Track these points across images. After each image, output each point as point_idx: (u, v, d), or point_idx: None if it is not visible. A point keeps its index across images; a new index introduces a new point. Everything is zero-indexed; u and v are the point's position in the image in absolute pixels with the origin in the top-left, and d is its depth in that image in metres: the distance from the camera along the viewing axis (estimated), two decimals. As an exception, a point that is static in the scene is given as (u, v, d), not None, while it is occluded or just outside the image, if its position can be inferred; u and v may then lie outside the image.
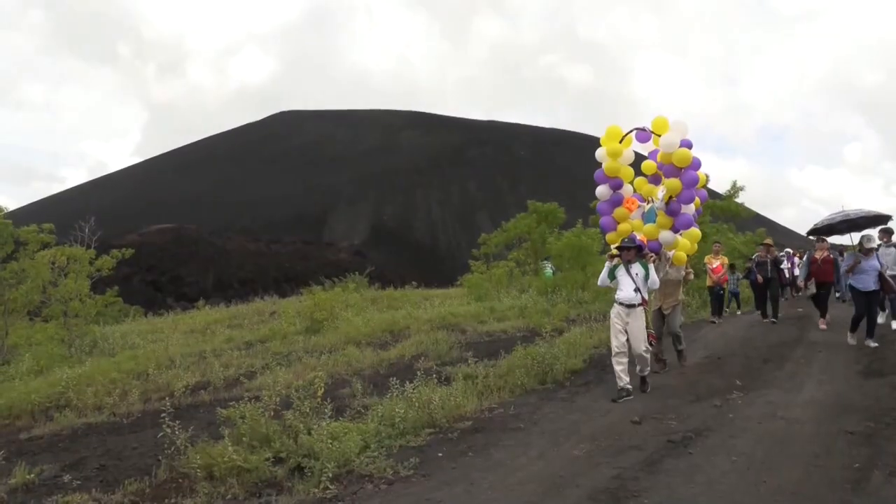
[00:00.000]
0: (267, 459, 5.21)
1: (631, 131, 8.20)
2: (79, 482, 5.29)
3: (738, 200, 24.42)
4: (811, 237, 13.06)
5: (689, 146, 7.68)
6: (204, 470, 5.06)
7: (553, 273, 20.98)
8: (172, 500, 4.71)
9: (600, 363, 9.53)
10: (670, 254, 8.31)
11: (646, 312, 7.56)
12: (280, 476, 5.07)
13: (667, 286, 8.61)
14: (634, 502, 4.42)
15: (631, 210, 8.29)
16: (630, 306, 7.41)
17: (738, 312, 16.53)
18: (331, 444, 5.29)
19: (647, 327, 7.53)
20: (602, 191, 8.44)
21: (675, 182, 7.64)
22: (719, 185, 26.27)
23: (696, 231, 8.41)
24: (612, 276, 7.62)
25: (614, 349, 7.35)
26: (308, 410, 5.91)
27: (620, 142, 8.19)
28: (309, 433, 5.54)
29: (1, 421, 7.80)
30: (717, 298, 14.33)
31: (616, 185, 8.33)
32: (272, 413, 5.90)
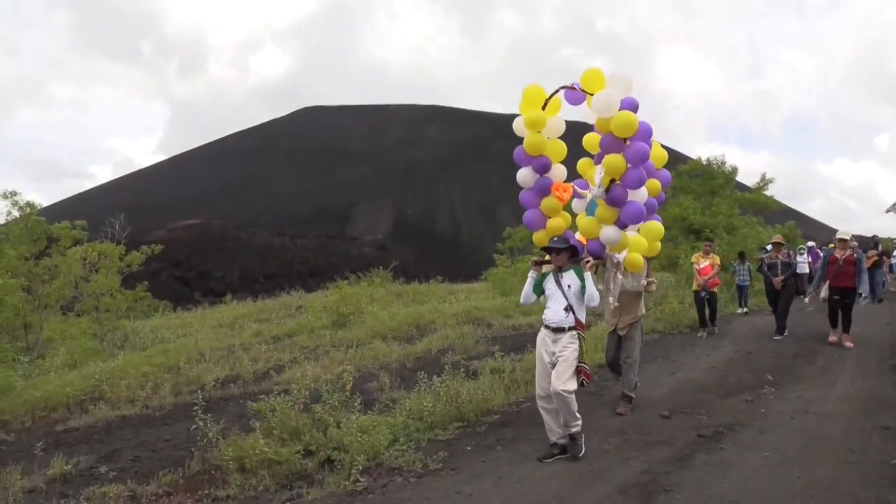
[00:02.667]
0: (297, 452, 5.26)
1: (556, 91, 5.96)
2: (114, 473, 5.40)
3: (767, 193, 24.00)
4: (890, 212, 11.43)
5: (634, 108, 5.64)
6: (236, 462, 5.13)
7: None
8: (205, 492, 4.78)
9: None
10: (619, 257, 6.06)
11: (581, 339, 5.40)
12: (310, 468, 5.13)
13: (622, 300, 6.53)
14: (665, 497, 4.38)
15: (563, 199, 6.08)
16: (558, 330, 5.42)
17: (743, 311, 14.60)
18: (360, 437, 5.32)
19: (581, 359, 5.33)
20: (524, 175, 6.13)
21: (615, 159, 5.54)
22: (747, 178, 25.87)
23: (655, 226, 6.30)
24: (538, 289, 5.65)
25: (538, 390, 5.53)
26: (337, 404, 5.95)
27: (544, 107, 5.96)
28: (338, 426, 5.58)
29: (38, 413, 7.98)
30: (703, 305, 11.51)
31: (542, 167, 6.04)
32: (301, 406, 5.95)
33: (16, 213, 14.90)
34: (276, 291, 25.11)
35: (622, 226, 5.76)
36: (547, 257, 5.73)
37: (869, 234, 16.05)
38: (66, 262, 14.82)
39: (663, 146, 6.59)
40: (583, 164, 6.66)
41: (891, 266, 16.53)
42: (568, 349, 5.37)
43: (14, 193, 14.99)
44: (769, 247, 11.97)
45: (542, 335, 5.59)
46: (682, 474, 4.79)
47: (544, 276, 5.67)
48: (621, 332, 6.74)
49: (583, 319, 5.49)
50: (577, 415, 5.36)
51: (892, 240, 21.30)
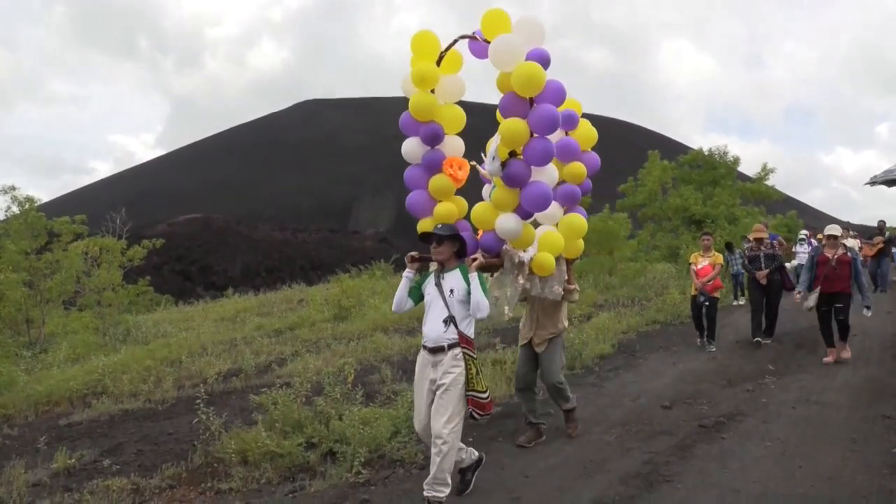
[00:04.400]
0: (299, 445, 5.27)
1: (455, 42, 4.70)
2: (118, 467, 5.42)
3: (768, 183, 23.96)
4: (868, 185, 10.00)
5: (543, 61, 4.44)
6: (238, 455, 5.14)
7: (580, 258, 20.87)
8: (208, 485, 4.80)
9: (629, 348, 9.48)
10: (524, 255, 4.77)
11: (469, 360, 4.17)
12: (313, 461, 5.14)
13: (537, 309, 5.44)
14: (667, 487, 4.40)
15: (456, 178, 4.68)
16: (437, 350, 4.19)
17: (739, 302, 13.89)
18: (362, 429, 5.33)
19: (471, 386, 4.15)
20: (410, 147, 4.80)
21: (515, 125, 4.29)
22: (747, 168, 25.82)
23: (576, 220, 5.12)
24: (416, 293, 4.45)
25: (417, 429, 4.44)
26: (339, 396, 5.96)
27: (439, 62, 4.63)
28: (340, 419, 5.59)
29: (41, 407, 8.00)
30: (699, 312, 9.47)
31: (431, 136, 4.65)
32: (303, 399, 5.97)
33: (15, 209, 14.92)
34: (277, 285, 25.15)
35: (524, 214, 4.47)
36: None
37: (871, 224, 15.66)
38: (67, 256, 14.85)
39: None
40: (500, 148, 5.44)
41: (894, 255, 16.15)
42: (449, 375, 4.11)
43: (13, 188, 15.01)
44: (745, 249, 10.31)
45: (421, 357, 4.36)
46: (683, 464, 4.80)
47: (426, 276, 4.46)
48: (538, 349, 5.47)
49: (470, 334, 4.25)
50: (449, 480, 4.09)
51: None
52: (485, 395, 4.21)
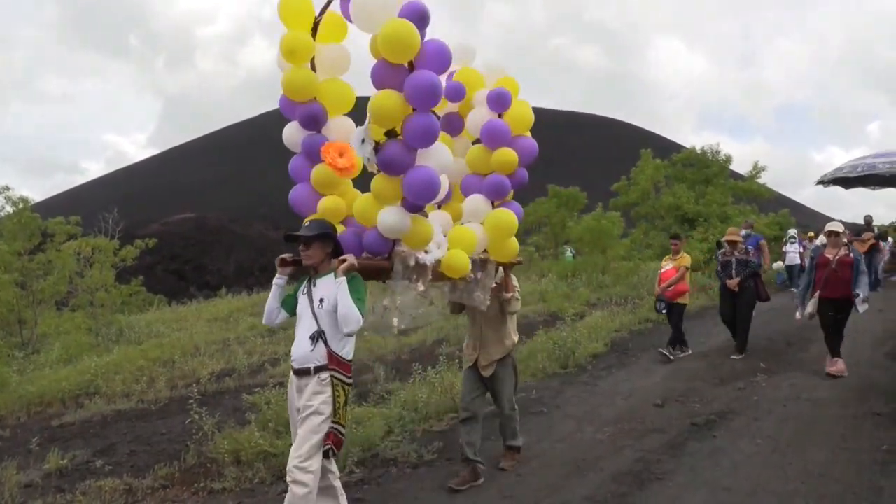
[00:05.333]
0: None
1: (329, 3, 3.92)
2: (110, 467, 5.41)
3: (760, 181, 24.05)
4: (820, 185, 8.26)
5: (418, 16, 3.55)
6: (231, 455, 5.14)
7: (573, 257, 20.90)
8: (201, 485, 4.80)
9: (622, 347, 9.52)
10: (425, 256, 3.94)
11: (339, 387, 3.56)
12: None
13: (480, 323, 4.79)
14: (658, 485, 4.42)
15: (337, 167, 3.69)
16: (302, 372, 3.60)
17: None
18: (355, 428, 5.35)
19: (336, 418, 3.54)
20: (290, 133, 4.11)
21: (385, 97, 3.56)
22: (739, 166, 25.91)
23: (503, 216, 4.36)
24: (289, 302, 3.86)
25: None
26: (332, 396, 5.96)
27: (314, 31, 3.90)
28: (333, 418, 5.60)
29: (33, 408, 7.98)
30: (669, 319, 8.82)
31: (309, 118, 3.94)
32: (296, 399, 5.97)
33: (9, 209, 14.86)
34: (271, 284, 25.07)
35: (410, 206, 3.72)
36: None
37: (859, 221, 15.37)
38: (60, 257, 14.79)
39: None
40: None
41: (893, 253, 15.89)
42: (313, 403, 3.51)
43: (7, 188, 14.96)
44: (718, 254, 9.32)
45: (290, 379, 3.77)
46: (675, 462, 4.83)
47: (302, 281, 3.84)
48: (485, 373, 4.76)
49: (344, 353, 3.61)
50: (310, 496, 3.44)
51: (883, 226, 21.08)
52: (345, 432, 3.67)
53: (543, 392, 7.10)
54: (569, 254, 21.56)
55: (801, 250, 15.98)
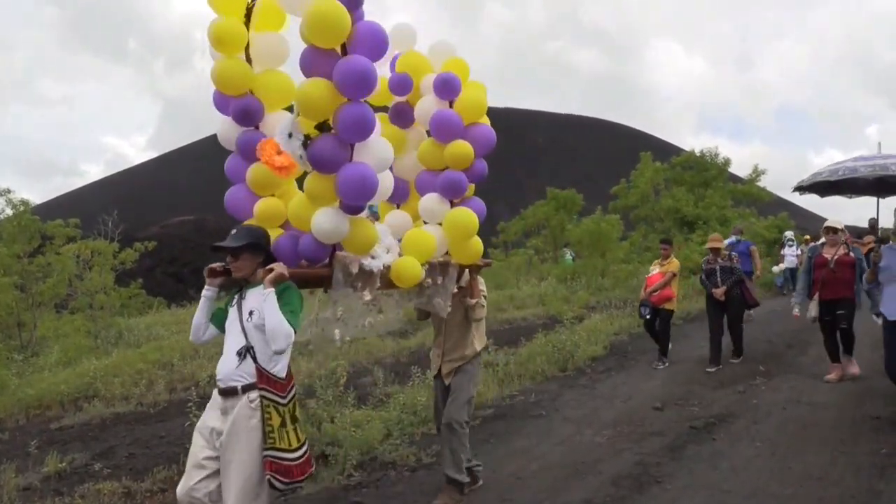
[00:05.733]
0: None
1: None
2: (109, 470, 5.40)
3: (760, 184, 24.09)
4: (795, 192, 7.61)
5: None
6: (230, 458, 5.14)
7: (572, 260, 20.92)
8: (200, 488, 4.79)
9: (621, 350, 9.52)
10: (372, 263, 3.59)
11: (271, 408, 3.16)
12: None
13: (444, 330, 4.48)
14: (657, 488, 4.42)
15: (275, 166, 3.28)
16: (227, 392, 3.22)
17: None
18: (354, 432, 5.34)
19: (270, 443, 3.11)
20: (225, 130, 3.73)
21: (312, 86, 3.21)
22: (737, 168, 25.95)
23: (462, 215, 3.98)
24: (219, 316, 3.47)
25: (178, 493, 3.29)
26: (331, 399, 5.97)
27: (248, 17, 3.58)
28: (332, 421, 5.60)
29: (32, 411, 7.97)
30: (649, 327, 8.63)
31: (243, 113, 3.58)
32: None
33: (9, 212, 14.85)
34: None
35: (349, 207, 3.34)
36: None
37: (861, 225, 15.07)
38: (59, 259, 14.77)
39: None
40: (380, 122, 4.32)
41: (875, 263, 15.59)
42: (241, 431, 3.12)
43: (8, 191, 14.96)
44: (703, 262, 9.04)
45: (212, 397, 3.34)
46: (674, 465, 4.83)
47: (230, 297, 3.48)
48: (447, 380, 4.45)
49: (276, 370, 3.21)
50: None
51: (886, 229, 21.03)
52: (294, 456, 3.16)
53: (542, 395, 7.10)
54: (568, 257, 21.59)
55: (799, 253, 15.77)
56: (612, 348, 9.60)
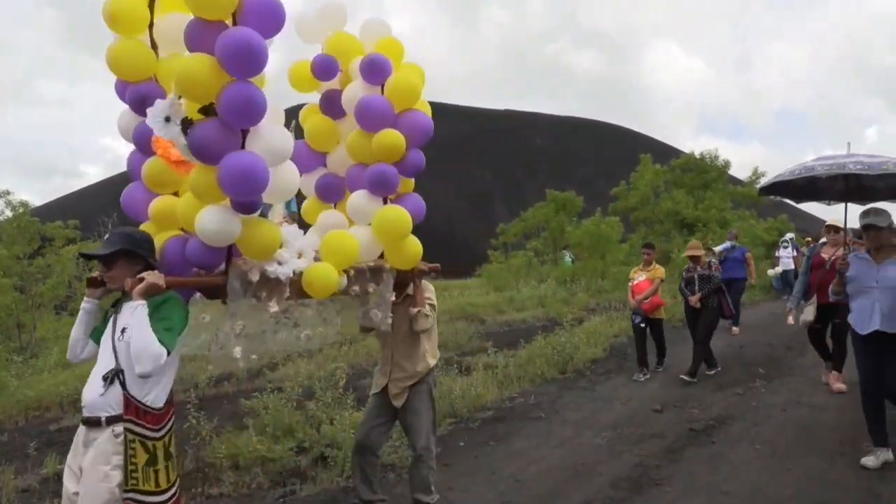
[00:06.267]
0: (291, 449, 5.28)
1: None
2: (108, 472, 5.39)
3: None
4: (764, 197, 6.59)
5: None
6: (229, 460, 5.13)
7: (572, 262, 20.93)
8: (199, 490, 4.79)
9: (621, 352, 9.52)
10: (280, 269, 3.13)
11: (137, 444, 2.71)
12: (304, 465, 5.14)
13: (391, 344, 4.04)
14: (657, 490, 4.42)
15: (175, 162, 3.09)
16: (91, 423, 2.79)
17: None
18: (353, 433, 5.31)
19: (132, 484, 2.70)
20: (124, 121, 3.33)
21: (194, 62, 2.76)
22: (737, 170, 26.01)
23: (392, 213, 3.56)
24: (98, 332, 3.00)
25: None
26: (330, 401, 5.97)
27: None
28: (331, 423, 5.59)
29: (31, 413, 7.96)
30: (642, 336, 8.11)
31: (140, 102, 3.13)
32: (295, 404, 5.97)
33: (9, 213, 14.87)
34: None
35: (241, 206, 2.89)
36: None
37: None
38: (59, 261, 14.78)
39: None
40: (306, 114, 4.07)
41: (840, 273, 14.92)
42: (98, 469, 2.70)
43: (7, 193, 14.97)
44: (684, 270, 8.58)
45: (77, 433, 2.89)
46: (673, 467, 4.83)
47: (109, 312, 2.99)
48: (395, 402, 3.99)
49: (149, 399, 2.76)
50: None
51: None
52: (159, 500, 2.76)
53: (542, 397, 7.10)
54: (568, 259, 21.60)
55: (795, 255, 15.34)
56: (612, 350, 9.59)
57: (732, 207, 22.94)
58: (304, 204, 4.09)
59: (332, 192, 3.93)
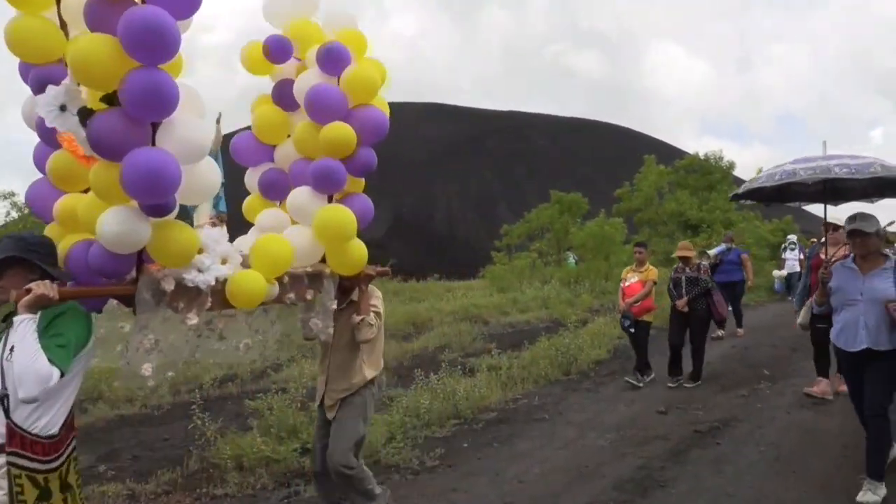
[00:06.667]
0: (295, 450, 5.28)
1: None
2: (113, 472, 5.41)
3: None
4: (738, 200, 6.17)
5: None
6: (233, 460, 5.14)
7: (576, 263, 20.92)
8: (203, 490, 4.80)
9: (625, 354, 9.50)
10: (199, 277, 2.74)
11: (22, 476, 2.36)
12: (308, 466, 5.14)
13: (329, 354, 3.82)
14: (661, 492, 4.41)
15: (83, 157, 2.73)
16: None
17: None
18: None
19: None
20: (29, 108, 2.90)
21: (90, 43, 2.38)
22: (741, 171, 25.93)
23: (335, 214, 3.25)
24: None
25: None
26: (334, 402, 5.97)
27: None
28: (336, 424, 5.60)
29: None
30: (633, 340, 7.84)
31: (42, 84, 2.59)
32: (299, 404, 5.98)
33: (14, 214, 14.88)
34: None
35: (150, 208, 2.56)
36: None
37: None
38: (63, 262, 14.84)
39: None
40: (256, 102, 3.72)
41: (823, 282, 14.36)
42: None
43: (12, 194, 14.99)
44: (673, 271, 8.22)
45: None
46: (677, 469, 4.82)
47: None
48: (329, 415, 3.79)
49: (38, 427, 2.44)
50: None
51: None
52: None
53: (546, 398, 7.10)
54: (571, 260, 21.58)
55: (801, 257, 15.37)
56: (616, 352, 9.58)
57: (737, 209, 22.90)
58: (247, 201, 3.80)
59: (276, 189, 3.59)
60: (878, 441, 4.14)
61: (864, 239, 4.09)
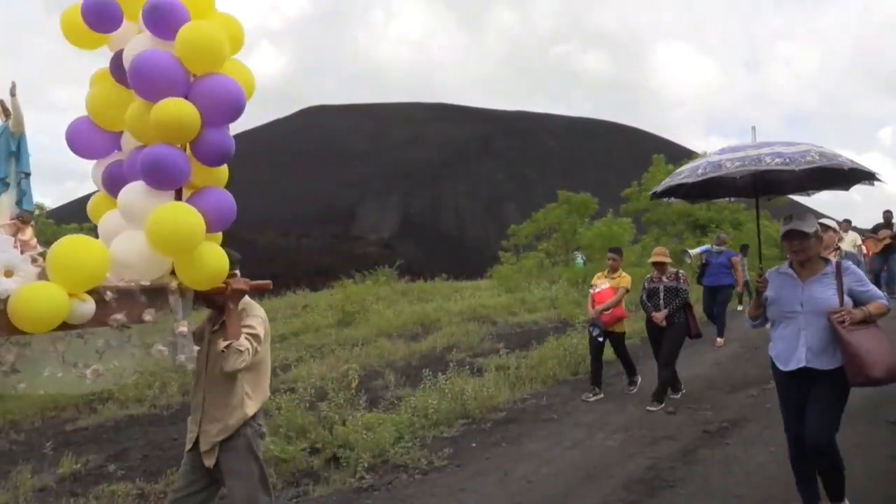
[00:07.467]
0: (303, 450, 5.30)
1: None
2: (123, 472, 5.45)
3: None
4: (659, 199, 5.09)
5: None
6: (243, 460, 5.17)
7: (584, 264, 20.87)
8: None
9: (633, 354, 9.46)
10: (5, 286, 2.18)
11: None
12: (316, 466, 5.16)
13: (203, 384, 3.12)
14: (670, 492, 4.40)
15: None
16: None
17: (741, 308, 12.45)
18: (365, 434, 5.35)
19: None
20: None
21: None
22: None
23: (174, 213, 2.59)
24: None
25: None
26: (342, 402, 5.99)
27: None
28: (344, 424, 5.62)
29: (48, 413, 8.05)
30: (597, 351, 7.20)
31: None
32: (307, 405, 6.01)
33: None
34: (281, 291, 25.15)
35: None
36: None
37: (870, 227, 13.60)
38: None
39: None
40: (95, 80, 3.02)
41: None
42: None
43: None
44: (645, 280, 7.35)
45: None
46: (686, 469, 4.80)
47: None
48: (207, 461, 3.07)
49: None
50: None
51: None
52: None
53: (554, 399, 7.09)
54: (579, 260, 21.52)
55: None
56: (624, 352, 9.54)
57: (746, 208, 22.77)
58: (92, 200, 3.12)
59: (120, 185, 2.81)
60: (832, 474, 3.78)
61: (803, 242, 3.54)
